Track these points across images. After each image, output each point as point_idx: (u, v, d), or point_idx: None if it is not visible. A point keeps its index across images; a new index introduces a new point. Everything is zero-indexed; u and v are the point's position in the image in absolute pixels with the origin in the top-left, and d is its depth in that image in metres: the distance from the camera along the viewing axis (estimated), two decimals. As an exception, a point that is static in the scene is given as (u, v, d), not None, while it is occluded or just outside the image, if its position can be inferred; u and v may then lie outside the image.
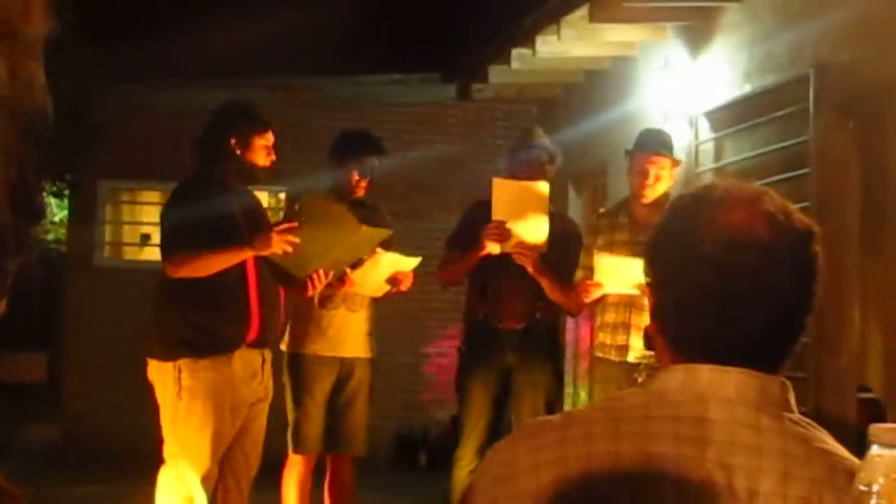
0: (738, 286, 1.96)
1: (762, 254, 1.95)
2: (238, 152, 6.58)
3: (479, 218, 7.37)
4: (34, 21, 1.02)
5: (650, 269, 2.09)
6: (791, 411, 1.99)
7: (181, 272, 6.38)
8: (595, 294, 6.97)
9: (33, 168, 1.03)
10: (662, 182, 7.12)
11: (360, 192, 7.49)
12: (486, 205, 7.36)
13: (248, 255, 6.40)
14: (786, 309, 1.99)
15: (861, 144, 6.98)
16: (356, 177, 7.44)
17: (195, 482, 6.44)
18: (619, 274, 6.79)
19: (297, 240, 6.42)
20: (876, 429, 1.52)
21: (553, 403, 7.53)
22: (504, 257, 7.24)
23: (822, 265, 2.01)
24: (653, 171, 7.09)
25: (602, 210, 7.69)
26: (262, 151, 6.62)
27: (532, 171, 7.34)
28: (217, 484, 6.52)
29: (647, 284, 2.10)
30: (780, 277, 1.97)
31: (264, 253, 6.42)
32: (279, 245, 6.41)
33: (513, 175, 7.38)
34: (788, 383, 2.01)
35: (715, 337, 1.98)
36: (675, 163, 7.25)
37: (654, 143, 7.25)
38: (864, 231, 6.91)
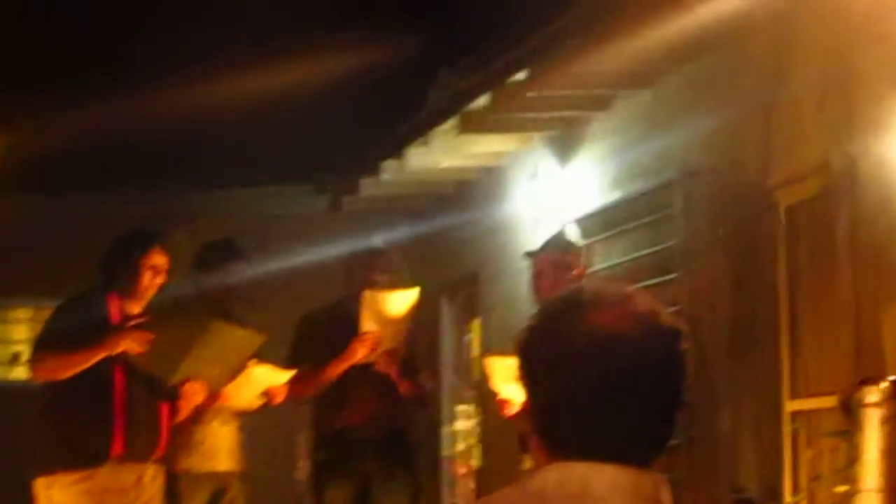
0: (608, 385, 1.98)
1: (631, 353, 1.99)
2: (124, 273, 6.64)
3: (315, 330, 7.49)
4: None
5: (523, 371, 2.10)
6: None
7: (41, 373, 6.43)
8: (510, 410, 6.91)
9: None
10: (559, 282, 7.14)
11: (227, 302, 7.42)
12: (315, 317, 7.57)
13: (100, 353, 6.38)
14: (656, 406, 2.02)
15: (731, 249, 7.09)
16: (222, 286, 7.38)
17: None
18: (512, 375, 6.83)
19: (149, 335, 6.40)
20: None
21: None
22: (361, 365, 7.34)
23: (691, 363, 2.04)
24: (550, 271, 7.12)
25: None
26: (147, 272, 6.67)
27: (374, 279, 7.48)
28: None
29: (522, 385, 2.11)
30: (649, 375, 2.00)
31: (118, 350, 6.40)
32: (129, 341, 6.39)
33: (352, 283, 7.50)
34: (663, 478, 2.03)
35: (588, 434, 2.00)
36: (576, 262, 7.26)
37: (551, 243, 7.34)
38: (735, 334, 6.99)
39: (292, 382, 7.43)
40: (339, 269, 12.08)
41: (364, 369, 7.34)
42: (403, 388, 7.43)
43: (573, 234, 8.45)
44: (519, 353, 2.10)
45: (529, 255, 7.39)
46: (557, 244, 7.39)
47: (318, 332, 7.44)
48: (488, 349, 9.42)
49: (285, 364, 7.44)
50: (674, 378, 2.03)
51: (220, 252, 7.51)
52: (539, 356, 2.06)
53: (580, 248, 7.54)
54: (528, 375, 2.09)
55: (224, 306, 7.38)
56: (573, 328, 2.01)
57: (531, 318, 2.12)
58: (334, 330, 7.32)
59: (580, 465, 1.98)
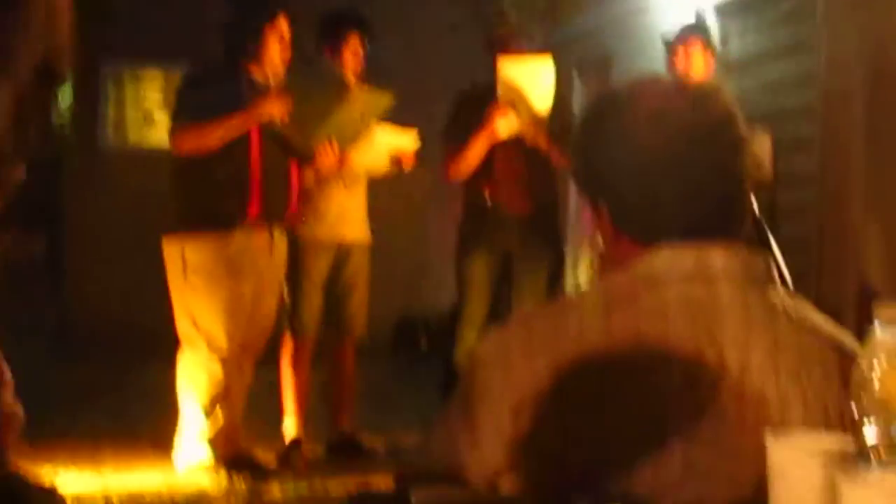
0: (680, 167, 2.02)
1: (693, 135, 2.02)
2: (251, 44, 6.52)
3: (471, 103, 7.33)
4: None
5: (587, 171, 2.14)
6: (775, 286, 2.03)
7: (185, 145, 6.36)
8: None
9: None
10: (695, 67, 7.04)
11: (355, 77, 7.26)
12: (471, 91, 7.39)
13: (247, 122, 6.35)
14: (731, 183, 2.05)
15: (868, 31, 6.94)
16: (348, 59, 7.23)
17: (212, 362, 6.47)
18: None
19: (291, 100, 6.39)
20: (879, 307, 1.50)
21: (554, 288, 7.53)
22: (510, 140, 7.22)
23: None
24: (682, 51, 7.06)
25: None
26: (273, 41, 6.54)
27: (509, 46, 7.34)
28: None
29: (590, 184, 2.13)
30: (716, 154, 2.03)
31: (264, 118, 6.37)
32: (275, 106, 6.36)
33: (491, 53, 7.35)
34: (770, 257, 2.06)
35: (672, 218, 2.03)
36: (710, 50, 7.17)
37: (686, 29, 7.27)
38: (871, 118, 6.85)
39: (448, 161, 7.37)
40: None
41: (513, 144, 7.25)
42: (555, 158, 7.27)
43: (709, 19, 8.31)
44: (578, 153, 2.15)
45: (666, 39, 7.29)
46: (695, 29, 7.31)
47: (468, 108, 7.34)
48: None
49: (444, 140, 7.41)
50: (739, 155, 2.05)
51: (340, 21, 7.34)
52: (604, 153, 2.09)
53: (708, 31, 7.40)
54: (596, 173, 2.12)
55: (354, 82, 7.25)
56: (633, 120, 2.04)
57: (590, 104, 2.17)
58: (485, 105, 7.22)
59: (689, 247, 2.00)
